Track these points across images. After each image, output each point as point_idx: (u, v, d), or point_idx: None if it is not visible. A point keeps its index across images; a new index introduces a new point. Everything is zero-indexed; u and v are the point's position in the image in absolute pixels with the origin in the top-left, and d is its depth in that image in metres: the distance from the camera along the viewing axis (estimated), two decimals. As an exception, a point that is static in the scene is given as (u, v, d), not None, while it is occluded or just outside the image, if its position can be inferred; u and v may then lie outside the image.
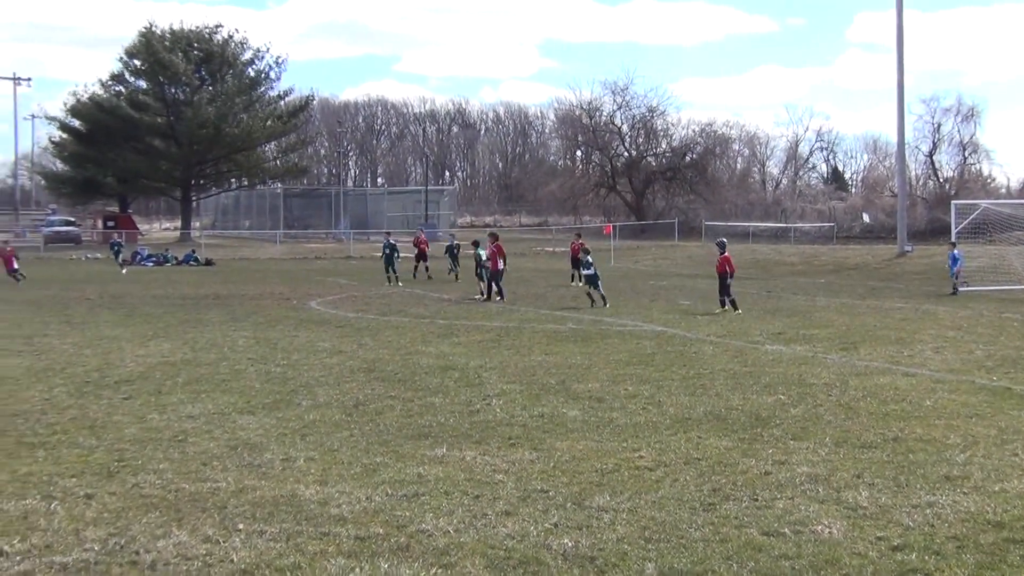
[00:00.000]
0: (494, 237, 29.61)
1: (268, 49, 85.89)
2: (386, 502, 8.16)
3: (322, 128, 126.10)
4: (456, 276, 37.03)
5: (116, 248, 49.00)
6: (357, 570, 6.56)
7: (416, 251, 39.82)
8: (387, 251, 36.93)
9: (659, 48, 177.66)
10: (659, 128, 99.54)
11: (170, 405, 12.46)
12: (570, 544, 7.08)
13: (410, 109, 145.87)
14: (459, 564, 6.69)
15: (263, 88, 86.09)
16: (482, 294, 29.16)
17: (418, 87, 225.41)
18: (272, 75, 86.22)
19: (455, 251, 38.60)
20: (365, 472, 9.15)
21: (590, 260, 26.83)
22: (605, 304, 25.80)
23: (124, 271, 44.65)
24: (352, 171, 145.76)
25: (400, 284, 35.05)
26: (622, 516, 7.75)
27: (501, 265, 28.40)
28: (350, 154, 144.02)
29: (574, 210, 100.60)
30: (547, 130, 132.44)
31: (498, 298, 27.86)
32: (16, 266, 37.09)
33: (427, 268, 38.54)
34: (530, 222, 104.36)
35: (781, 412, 11.91)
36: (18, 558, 6.81)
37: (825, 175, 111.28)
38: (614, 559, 6.78)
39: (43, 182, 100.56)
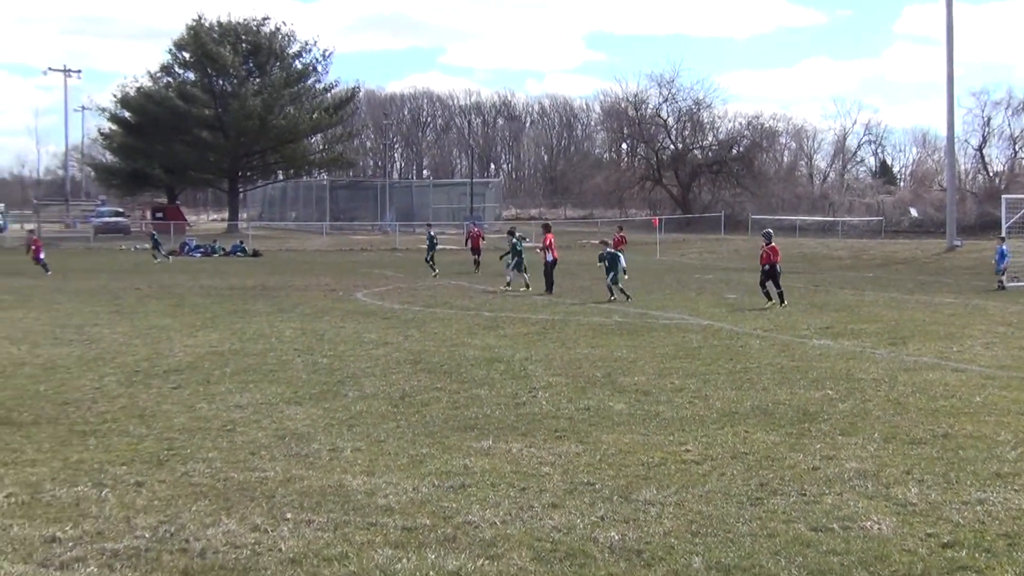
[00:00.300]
0: (547, 228, 29.66)
1: (315, 42, 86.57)
2: (432, 493, 8.18)
3: (368, 120, 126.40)
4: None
5: (154, 239, 49.32)
6: (404, 560, 6.59)
7: (470, 245, 40.07)
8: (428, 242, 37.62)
9: (706, 40, 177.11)
10: (705, 121, 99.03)
11: (218, 395, 12.55)
12: (617, 537, 7.07)
13: (455, 101, 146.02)
14: (505, 556, 6.70)
15: (310, 80, 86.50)
16: (526, 286, 29.19)
17: (464, 79, 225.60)
18: (319, 67, 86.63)
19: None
20: (412, 463, 9.18)
21: (610, 252, 26.67)
22: (611, 297, 25.62)
23: (157, 260, 44.80)
24: (398, 163, 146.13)
25: (435, 274, 35.34)
26: (669, 510, 7.72)
27: (550, 257, 28.41)
28: (396, 146, 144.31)
29: (619, 203, 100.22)
30: (592, 123, 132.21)
31: (545, 291, 27.85)
32: (42, 256, 37.51)
33: (477, 261, 38.65)
34: (575, 215, 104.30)
35: (829, 407, 11.83)
36: (70, 544, 6.89)
37: (873, 169, 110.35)
38: (661, 553, 6.77)
39: (93, 173, 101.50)
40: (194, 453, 9.50)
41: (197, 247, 54.59)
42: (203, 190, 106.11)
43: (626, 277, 26.96)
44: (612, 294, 25.80)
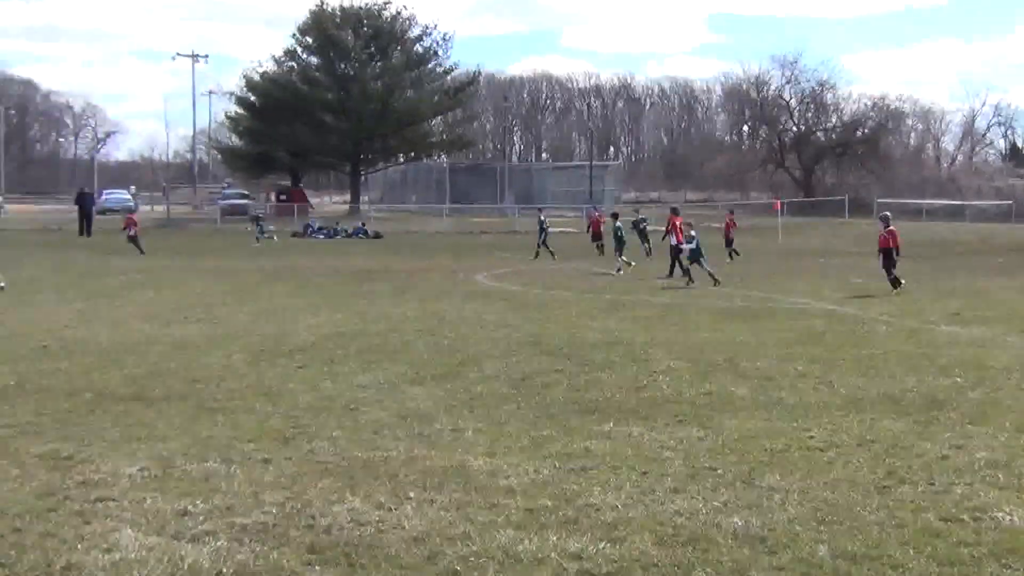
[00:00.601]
0: (674, 212, 29.59)
1: (435, 25, 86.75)
2: (554, 475, 8.19)
3: (488, 103, 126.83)
4: (648, 252, 36.84)
5: (259, 222, 50.00)
6: (526, 542, 6.61)
7: (591, 231, 40.08)
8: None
9: (828, 21, 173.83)
10: (829, 102, 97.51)
11: (342, 374, 12.73)
12: (740, 523, 7.00)
13: (575, 84, 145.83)
14: (628, 539, 6.68)
15: (430, 64, 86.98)
16: (628, 263, 29.27)
17: (583, 62, 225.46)
18: (439, 51, 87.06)
19: (643, 227, 38.56)
20: (533, 445, 9.20)
21: (693, 235, 26.28)
22: (716, 283, 25.00)
23: (258, 243, 45.19)
24: (517, 146, 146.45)
25: (535, 258, 35.45)
26: (793, 497, 7.62)
27: (674, 240, 28.28)
28: (515, 129, 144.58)
29: (740, 186, 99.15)
30: (713, 105, 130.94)
31: (666, 275, 27.69)
32: (134, 233, 38.37)
33: (600, 246, 38.58)
34: (695, 198, 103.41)
35: (958, 395, 11.55)
36: (201, 518, 7.05)
37: (1003, 151, 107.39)
38: (785, 540, 6.68)
39: (219, 156, 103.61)
40: (319, 431, 9.65)
41: (320, 229, 55.41)
42: (326, 173, 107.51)
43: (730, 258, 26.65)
44: (715, 281, 25.32)
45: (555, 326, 17.46)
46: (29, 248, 38.60)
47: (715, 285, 24.82)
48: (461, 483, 7.95)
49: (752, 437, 9.50)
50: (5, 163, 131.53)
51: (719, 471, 8.32)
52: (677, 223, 28.40)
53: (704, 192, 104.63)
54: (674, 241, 28.21)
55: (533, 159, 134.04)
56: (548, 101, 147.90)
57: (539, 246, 37.15)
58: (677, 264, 27.71)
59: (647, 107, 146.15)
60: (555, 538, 6.69)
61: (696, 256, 25.90)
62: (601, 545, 6.57)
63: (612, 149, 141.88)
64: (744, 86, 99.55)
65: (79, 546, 6.45)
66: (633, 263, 29.77)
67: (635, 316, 19.04)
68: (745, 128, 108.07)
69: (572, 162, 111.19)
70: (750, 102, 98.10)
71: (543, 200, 70.84)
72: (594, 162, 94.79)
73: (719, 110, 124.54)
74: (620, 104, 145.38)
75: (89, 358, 13.73)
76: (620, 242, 30.42)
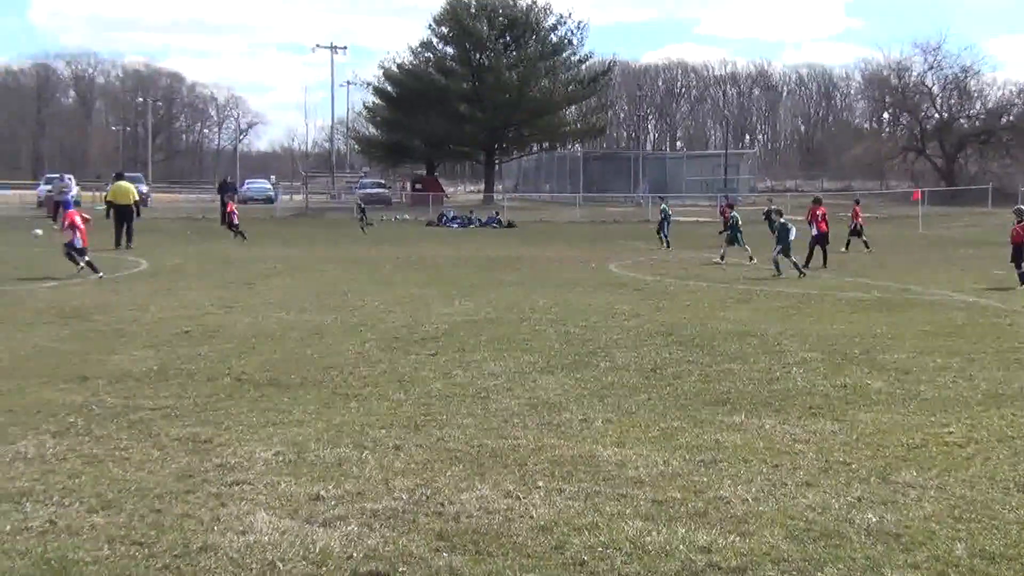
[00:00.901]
0: (817, 201, 29.19)
1: (570, 14, 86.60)
2: (683, 467, 8.13)
3: (622, 92, 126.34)
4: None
5: (362, 209, 50.36)
6: (654, 533, 6.57)
7: (721, 220, 39.71)
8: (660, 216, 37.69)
9: (972, 5, 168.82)
10: (973, 89, 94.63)
11: (473, 362, 12.81)
12: (874, 519, 6.86)
13: (710, 72, 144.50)
14: (757, 533, 6.60)
15: (565, 53, 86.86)
16: (750, 258, 28.93)
17: (718, 49, 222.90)
18: (574, 40, 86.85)
19: (774, 217, 38.02)
20: (662, 436, 9.15)
21: (784, 223, 25.75)
22: (801, 275, 24.51)
23: (366, 232, 45.32)
24: (651, 134, 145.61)
25: (664, 248, 35.15)
26: (929, 493, 7.44)
27: (815, 231, 27.85)
28: (649, 118, 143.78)
29: (879, 175, 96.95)
30: (852, 92, 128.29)
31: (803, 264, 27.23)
32: (236, 221, 38.99)
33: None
34: (832, 187, 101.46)
35: (1106, 391, 11.14)
36: (333, 502, 7.17)
37: None
38: (921, 537, 6.53)
39: (356, 146, 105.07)
40: (450, 419, 9.73)
41: (454, 218, 55.85)
42: (461, 162, 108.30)
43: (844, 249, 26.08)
44: (778, 270, 24.79)
45: (687, 316, 17.33)
46: (173, 236, 39.68)
47: (800, 277, 24.38)
48: (590, 473, 7.94)
49: (888, 431, 9.30)
50: (152, 153, 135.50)
51: (853, 466, 8.16)
52: (819, 213, 28.01)
53: (842, 181, 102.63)
54: (815, 231, 27.79)
55: (667, 148, 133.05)
56: (683, 89, 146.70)
57: (659, 235, 36.92)
58: (813, 254, 27.38)
59: (784, 94, 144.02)
60: (683, 530, 6.64)
61: (784, 246, 25.42)
62: (730, 538, 6.50)
63: (748, 137, 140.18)
64: (884, 72, 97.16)
65: (215, 528, 6.62)
66: (754, 258, 29.26)
67: (769, 307, 18.79)
68: (885, 115, 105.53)
69: (707, 151, 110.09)
70: (890, 89, 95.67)
71: (677, 189, 70.40)
72: (729, 151, 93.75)
73: (858, 97, 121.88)
74: (756, 92, 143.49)
75: (228, 344, 14.06)
76: (736, 231, 30.09)
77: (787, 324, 16.37)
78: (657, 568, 6.06)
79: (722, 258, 29.11)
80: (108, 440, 8.80)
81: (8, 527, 6.58)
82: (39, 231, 28.32)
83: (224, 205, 50.49)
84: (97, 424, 9.37)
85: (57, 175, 60.26)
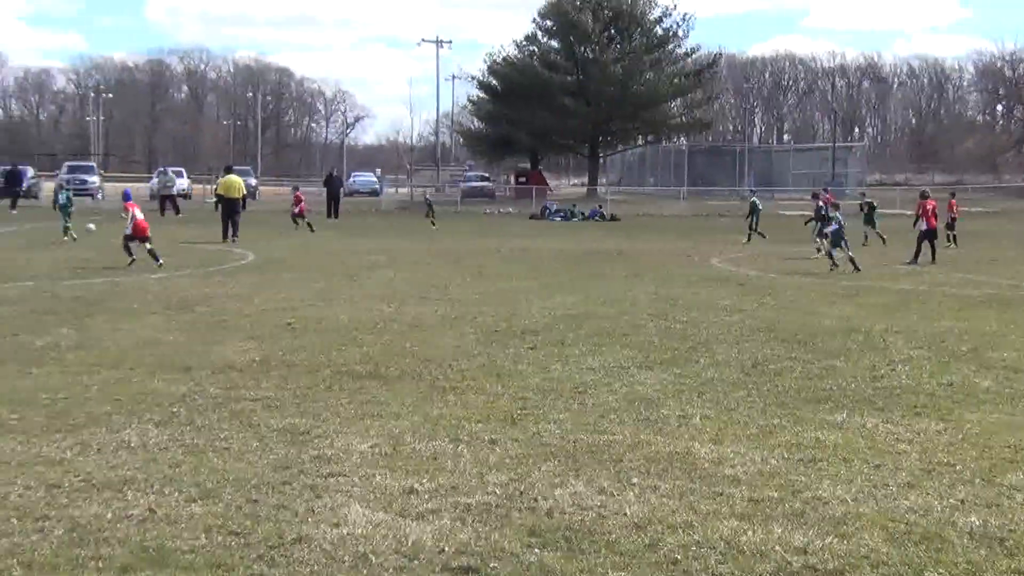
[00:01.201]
0: (923, 195, 28.62)
1: (675, 7, 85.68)
2: (782, 465, 8.00)
3: (728, 84, 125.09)
4: (881, 239, 35.72)
5: (428, 203, 50.29)
6: (749, 533, 6.47)
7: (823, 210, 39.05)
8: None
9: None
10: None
11: (572, 357, 12.76)
12: (977, 523, 6.67)
13: (819, 64, 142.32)
14: (856, 535, 6.45)
15: (670, 45, 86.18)
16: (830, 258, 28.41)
17: (827, 41, 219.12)
18: (679, 32, 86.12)
19: (869, 211, 37.40)
20: (761, 433, 9.01)
21: (838, 216, 25.45)
22: (856, 269, 24.21)
23: (436, 227, 45.18)
24: (758, 127, 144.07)
25: (745, 242, 34.69)
26: (1037, 497, 7.22)
27: (924, 226, 27.30)
28: (756, 110, 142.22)
29: (992, 169, 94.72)
30: (965, 84, 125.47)
31: (911, 261, 26.70)
32: (299, 210, 39.28)
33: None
34: (944, 181, 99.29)
35: None
36: (426, 496, 7.18)
37: None
38: (1027, 542, 6.34)
39: (461, 140, 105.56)
40: (546, 413, 9.70)
41: (557, 211, 55.76)
42: (565, 156, 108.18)
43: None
44: (834, 262, 24.64)
45: (791, 312, 17.08)
46: (280, 229, 40.19)
47: (855, 271, 24.05)
48: (686, 470, 7.85)
49: (995, 432, 9.05)
50: (261, 147, 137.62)
51: (957, 467, 7.96)
52: (928, 207, 27.45)
53: (953, 175, 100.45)
54: (924, 226, 27.22)
55: (774, 141, 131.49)
56: (791, 81, 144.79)
57: (752, 229, 36.42)
58: (921, 249, 26.86)
59: (894, 87, 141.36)
60: (780, 530, 6.53)
61: (837, 239, 25.08)
62: (828, 540, 6.37)
63: (857, 130, 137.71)
64: (998, 64, 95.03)
65: (309, 519, 6.67)
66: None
67: (874, 303, 18.44)
68: (998, 108, 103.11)
69: (814, 144, 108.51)
70: (1004, 80, 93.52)
71: (783, 183, 69.49)
72: (837, 144, 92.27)
73: (971, 89, 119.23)
74: (866, 84, 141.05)
75: (330, 336, 14.19)
76: (824, 224, 29.60)
77: (893, 320, 16.05)
78: (752, 568, 5.96)
79: (819, 250, 28.68)
80: (209, 430, 8.93)
81: (109, 515, 6.70)
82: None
83: (334, 199, 51.20)
84: (199, 414, 9.51)
85: (161, 169, 61.63)
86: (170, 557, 6.00)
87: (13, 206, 49.72)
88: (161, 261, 23.22)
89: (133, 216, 23.72)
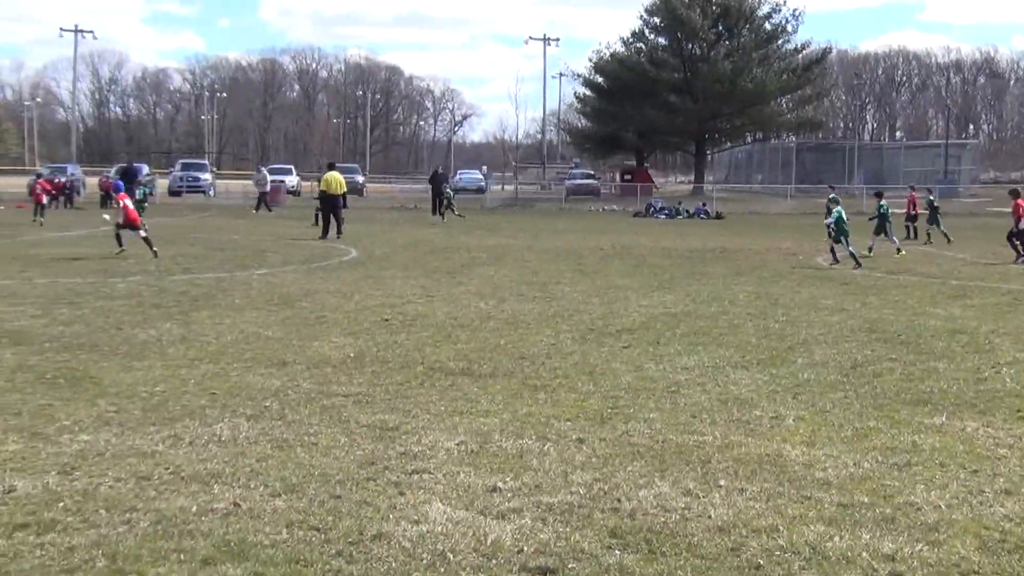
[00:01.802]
0: (1014, 194, 27.88)
1: (785, 2, 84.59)
2: (875, 469, 7.80)
3: (839, 80, 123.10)
4: (945, 236, 35.00)
5: (441, 196, 49.63)
6: (836, 539, 6.31)
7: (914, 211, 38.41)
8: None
9: None
10: None
11: (666, 356, 12.63)
12: (1077, 532, 6.43)
13: (933, 59, 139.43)
14: (947, 542, 6.26)
15: (779, 42, 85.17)
16: (897, 251, 28.29)
17: (942, 36, 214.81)
18: (788, 28, 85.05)
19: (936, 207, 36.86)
20: (855, 436, 8.81)
21: (839, 209, 25.48)
22: (857, 264, 24.45)
23: (462, 216, 44.77)
24: (869, 124, 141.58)
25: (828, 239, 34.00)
26: None
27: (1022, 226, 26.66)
28: (868, 107, 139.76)
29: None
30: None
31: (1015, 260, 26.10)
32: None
33: (909, 227, 37.00)
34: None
35: None
36: (509, 495, 7.14)
37: None
38: None
39: (567, 137, 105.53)
40: (636, 413, 9.60)
41: (661, 208, 55.45)
42: (672, 153, 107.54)
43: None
44: (856, 262, 24.59)
45: (894, 312, 16.72)
46: (384, 225, 40.60)
47: (855, 268, 24.29)
48: (775, 473, 7.70)
49: (1101, 439, 8.73)
50: (370, 144, 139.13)
51: (1059, 474, 7.69)
52: (1022, 206, 26.79)
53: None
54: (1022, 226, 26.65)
55: (886, 138, 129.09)
56: (904, 77, 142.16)
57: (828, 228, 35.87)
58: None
59: (1011, 82, 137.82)
60: (868, 536, 6.36)
61: (838, 235, 25.14)
62: (918, 547, 6.19)
63: (971, 127, 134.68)
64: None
65: (391, 516, 6.67)
66: (902, 250, 28.39)
67: (983, 303, 17.96)
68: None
69: (927, 141, 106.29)
70: None
71: (894, 181, 68.19)
72: (951, 141, 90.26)
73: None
74: (981, 79, 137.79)
75: (425, 332, 14.24)
76: (884, 220, 29.00)
77: (1001, 322, 15.61)
78: (836, 575, 5.82)
79: (898, 251, 28.22)
80: (299, 425, 9.01)
81: (195, 508, 6.78)
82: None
83: (439, 196, 51.47)
84: (290, 409, 9.60)
85: (258, 168, 62.69)
86: (250, 551, 6.05)
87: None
88: (156, 249, 24.33)
89: (124, 207, 25.31)
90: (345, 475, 7.51)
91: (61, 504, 6.83)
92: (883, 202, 29.73)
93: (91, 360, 11.91)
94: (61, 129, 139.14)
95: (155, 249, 24.27)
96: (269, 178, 55.81)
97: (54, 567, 5.81)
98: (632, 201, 62.06)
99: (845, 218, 25.47)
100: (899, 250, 28.31)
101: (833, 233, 25.55)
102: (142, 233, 24.84)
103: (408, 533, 6.37)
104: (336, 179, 34.84)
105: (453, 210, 46.37)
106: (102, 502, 6.88)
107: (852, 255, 24.78)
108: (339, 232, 33.00)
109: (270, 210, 49.77)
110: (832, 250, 25.56)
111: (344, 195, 35.41)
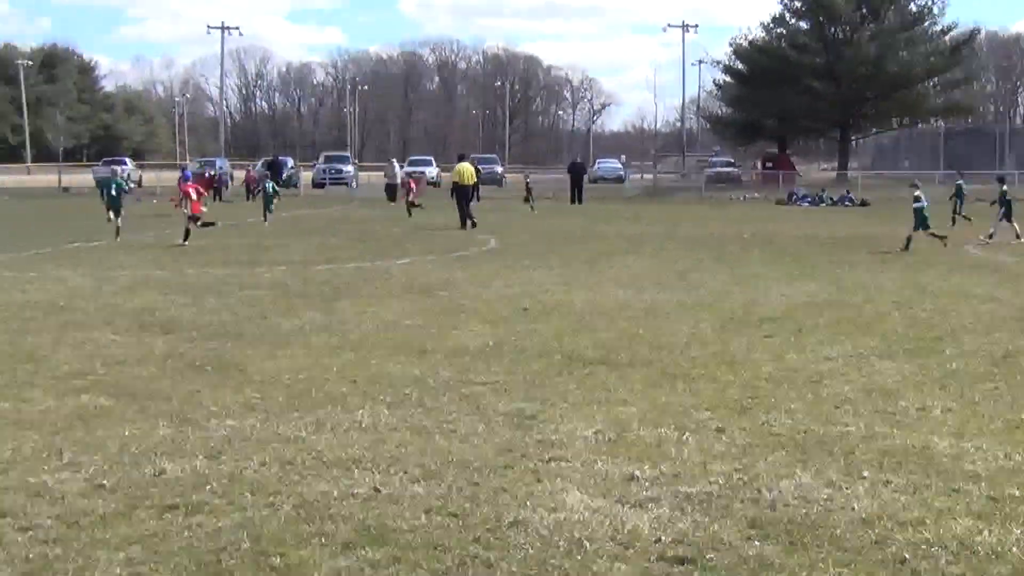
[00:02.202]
0: None
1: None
2: (1026, 462, 7.55)
3: (988, 63, 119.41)
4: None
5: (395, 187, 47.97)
6: (985, 532, 6.12)
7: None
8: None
9: None
10: None
11: (809, 345, 12.39)
12: None
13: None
14: (1105, 539, 6.02)
15: (926, 23, 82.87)
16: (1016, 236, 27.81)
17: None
18: (935, 9, 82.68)
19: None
20: (1006, 428, 8.53)
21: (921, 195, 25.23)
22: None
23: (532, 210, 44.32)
24: (1021, 108, 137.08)
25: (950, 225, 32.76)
26: None
27: None
28: (1019, 89, 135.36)
29: None
30: None
31: None
32: (412, 198, 40.01)
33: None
34: None
35: None
36: (647, 484, 7.10)
37: None
38: None
39: (707, 125, 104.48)
40: (777, 403, 9.44)
41: (804, 196, 54.51)
42: (814, 139, 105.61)
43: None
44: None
45: (1049, 301, 16.17)
46: (520, 215, 40.71)
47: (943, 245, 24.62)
48: (921, 465, 7.50)
49: None
50: (509, 135, 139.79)
51: None
52: None
53: None
54: None
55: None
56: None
57: (955, 213, 34.83)
58: None
59: None
60: (1019, 531, 6.15)
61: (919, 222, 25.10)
62: (1071, 543, 5.97)
63: None
64: None
65: (528, 503, 6.68)
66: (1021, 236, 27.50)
67: None
68: None
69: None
70: None
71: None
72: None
73: None
74: None
75: (563, 321, 14.24)
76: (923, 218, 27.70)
77: None
78: (985, 571, 5.64)
79: (990, 236, 27.42)
80: (438, 412, 9.09)
81: (336, 492, 6.89)
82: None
83: (577, 186, 51.53)
84: (430, 396, 9.69)
85: (389, 160, 63.27)
86: (390, 536, 6.12)
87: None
88: (187, 243, 25.67)
89: (189, 196, 26.42)
90: (483, 462, 7.55)
91: (208, 487, 7.01)
92: (1004, 187, 28.87)
93: (237, 348, 12.21)
94: (210, 124, 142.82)
95: (187, 243, 25.73)
96: (400, 170, 56.33)
97: (201, 547, 5.97)
98: (774, 189, 61.16)
99: (925, 206, 25.43)
100: (991, 236, 27.65)
101: (919, 219, 25.20)
102: (195, 224, 26.32)
103: (545, 520, 6.37)
104: (467, 170, 35.10)
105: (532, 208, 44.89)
106: (247, 485, 7.04)
107: (909, 238, 25.09)
108: (464, 223, 32.99)
109: (392, 201, 50.11)
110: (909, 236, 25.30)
111: (476, 186, 35.58)
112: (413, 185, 42.23)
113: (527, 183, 49.03)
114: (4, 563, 5.77)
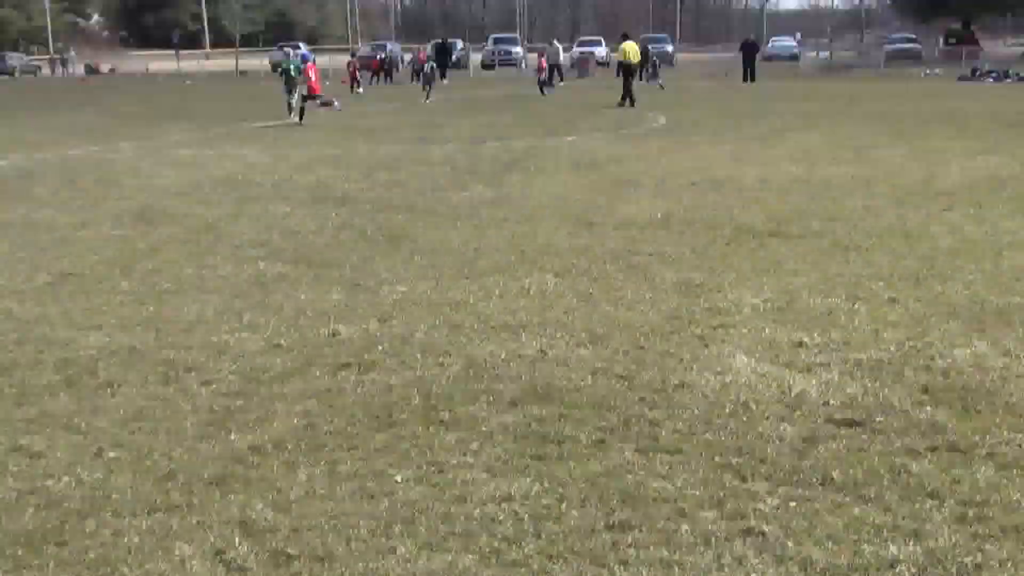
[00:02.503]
0: None
1: None
2: None
3: None
4: None
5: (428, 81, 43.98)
6: None
7: None
8: None
9: None
10: None
11: (989, 219, 11.97)
12: None
13: None
14: None
15: None
16: None
17: None
18: None
19: None
20: None
21: None
22: None
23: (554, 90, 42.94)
24: None
25: None
26: None
27: None
28: None
29: None
30: None
31: None
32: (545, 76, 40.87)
33: None
34: None
35: None
36: (815, 350, 7.01)
37: None
38: None
39: (888, 2, 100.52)
40: (954, 274, 9.18)
41: (990, 72, 52.17)
42: (1002, 16, 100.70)
43: None
44: None
45: None
46: (696, 93, 40.07)
47: None
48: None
49: None
50: (680, 14, 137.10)
51: None
52: None
53: None
54: None
55: None
56: None
57: None
58: None
59: None
60: None
61: None
62: None
63: None
64: None
65: (694, 367, 6.68)
66: None
67: None
68: None
69: None
70: None
71: None
72: None
73: None
74: None
75: (733, 196, 14.04)
76: None
77: None
78: None
79: None
80: (605, 280, 9.11)
81: (503, 354, 7.00)
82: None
83: (750, 64, 50.26)
84: (596, 266, 9.72)
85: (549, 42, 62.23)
86: (556, 395, 6.20)
87: (443, 76, 52.16)
88: (298, 119, 26.98)
89: (309, 78, 27.65)
90: (649, 327, 7.56)
91: (380, 347, 7.20)
92: None
93: (408, 220, 12.42)
94: (381, 8, 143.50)
95: (303, 121, 26.85)
96: (561, 50, 55.64)
97: (374, 403, 6.15)
98: (957, 65, 58.64)
99: None
100: None
101: None
102: (313, 103, 27.89)
103: (711, 383, 6.37)
104: (631, 48, 35.15)
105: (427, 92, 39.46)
106: (417, 346, 7.21)
107: None
108: (624, 99, 32.79)
109: (552, 85, 49.65)
110: None
111: (640, 64, 35.33)
112: (544, 64, 42.53)
113: (653, 59, 47.68)
114: (190, 412, 6.06)
